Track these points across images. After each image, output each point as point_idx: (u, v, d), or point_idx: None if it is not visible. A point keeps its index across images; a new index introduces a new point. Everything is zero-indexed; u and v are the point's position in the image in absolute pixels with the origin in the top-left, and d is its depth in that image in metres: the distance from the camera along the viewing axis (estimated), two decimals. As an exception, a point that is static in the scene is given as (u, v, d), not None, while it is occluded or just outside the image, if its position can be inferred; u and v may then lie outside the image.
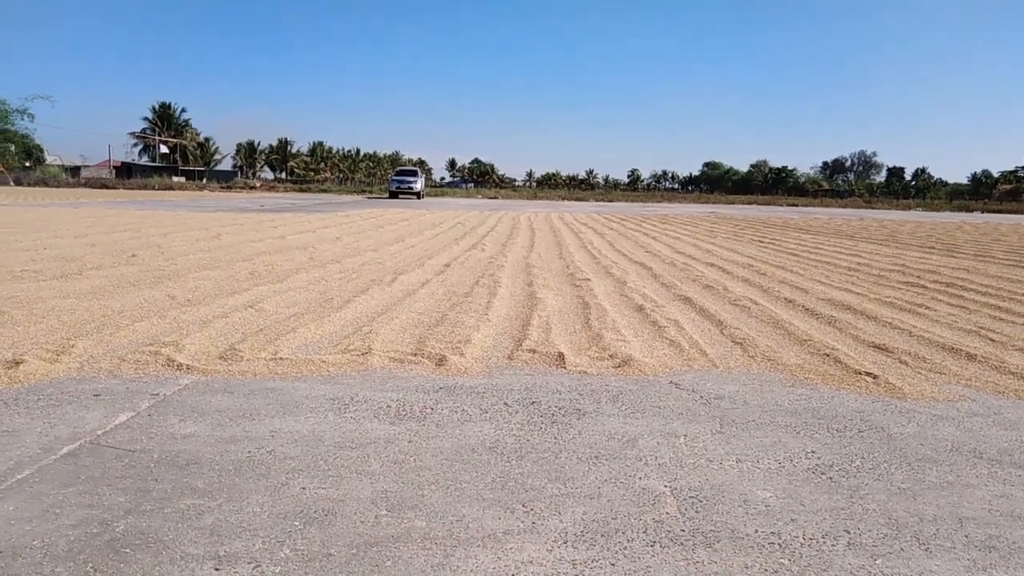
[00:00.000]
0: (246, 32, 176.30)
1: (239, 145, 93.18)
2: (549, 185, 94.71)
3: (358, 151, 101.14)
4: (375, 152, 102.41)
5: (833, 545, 2.42)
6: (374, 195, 50.24)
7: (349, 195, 50.08)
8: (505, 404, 3.86)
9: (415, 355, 4.78)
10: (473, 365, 4.61)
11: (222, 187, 55.72)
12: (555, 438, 3.37)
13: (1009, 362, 5.05)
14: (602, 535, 2.44)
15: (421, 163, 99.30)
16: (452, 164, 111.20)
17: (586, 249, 12.83)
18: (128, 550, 2.22)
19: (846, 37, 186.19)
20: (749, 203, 59.61)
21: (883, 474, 3.06)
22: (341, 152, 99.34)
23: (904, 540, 2.47)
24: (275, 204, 30.01)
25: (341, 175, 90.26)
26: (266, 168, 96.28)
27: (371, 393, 3.96)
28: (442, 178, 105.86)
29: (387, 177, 57.86)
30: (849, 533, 2.51)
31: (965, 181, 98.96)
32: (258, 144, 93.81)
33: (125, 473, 2.80)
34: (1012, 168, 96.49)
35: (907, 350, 5.32)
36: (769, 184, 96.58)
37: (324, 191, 56.94)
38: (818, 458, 3.22)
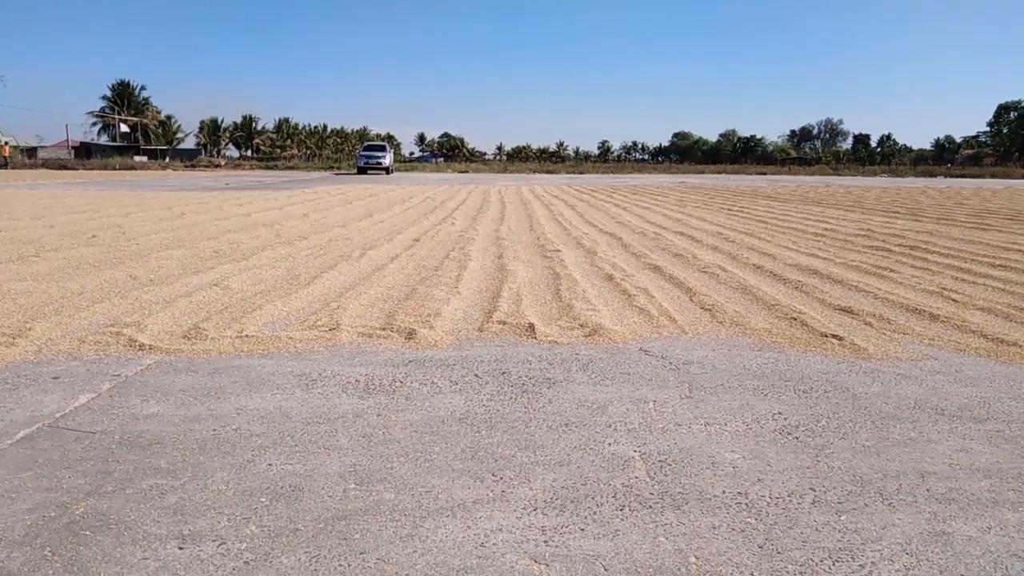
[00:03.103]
0: (207, 7, 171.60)
1: (202, 123, 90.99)
2: (519, 158, 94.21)
3: (325, 127, 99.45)
4: (343, 128, 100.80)
5: (799, 503, 2.45)
6: (342, 171, 49.54)
7: (317, 171, 49.32)
8: (475, 375, 3.84)
9: (384, 329, 4.73)
10: (443, 338, 4.57)
11: (186, 166, 54.50)
12: (525, 407, 3.36)
13: (970, 321, 5.15)
14: (572, 501, 2.44)
15: (390, 138, 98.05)
16: (421, 138, 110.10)
17: (556, 221, 12.80)
18: (88, 532, 2.17)
19: (810, 5, 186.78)
20: (719, 172, 59.97)
21: (848, 433, 3.11)
22: (308, 128, 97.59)
23: (868, 496, 2.52)
24: (240, 182, 29.45)
25: (308, 152, 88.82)
26: (231, 146, 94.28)
27: (339, 368, 3.91)
28: (411, 153, 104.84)
29: (355, 153, 57.06)
30: (815, 491, 2.55)
31: (929, 147, 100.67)
32: (222, 121, 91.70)
33: (85, 455, 2.73)
34: (974, 134, 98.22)
35: (872, 312, 5.40)
36: (738, 153, 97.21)
37: (291, 168, 56.02)
38: (785, 419, 3.26)
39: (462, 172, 53.90)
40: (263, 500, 2.39)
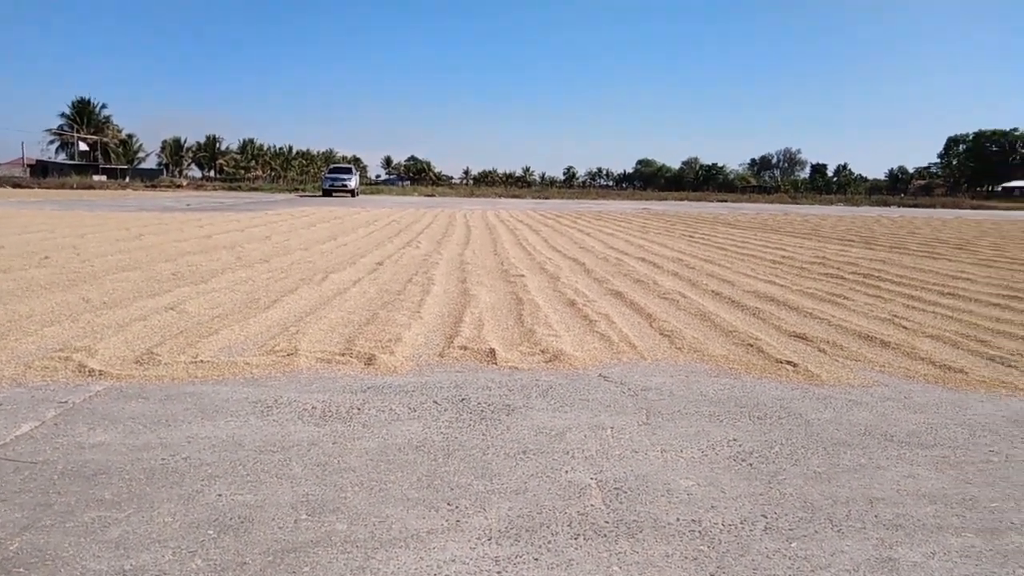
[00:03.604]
0: (172, 26, 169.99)
1: (164, 142, 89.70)
2: (486, 183, 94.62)
3: (290, 148, 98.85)
4: (308, 150, 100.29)
5: (751, 530, 2.48)
6: (307, 193, 49.17)
7: (281, 193, 48.89)
8: (434, 402, 3.81)
9: (343, 355, 4.69)
10: (403, 364, 4.54)
11: (146, 186, 53.52)
12: (483, 434, 3.35)
13: (919, 348, 5.29)
14: (527, 530, 2.43)
15: (356, 160, 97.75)
16: (388, 162, 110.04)
17: (521, 246, 12.86)
18: (21, 569, 2.09)
19: (772, 38, 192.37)
20: (681, 199, 60.97)
21: (800, 459, 3.15)
22: (273, 150, 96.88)
23: (818, 523, 2.55)
24: (202, 203, 29.04)
25: (273, 173, 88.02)
26: (193, 166, 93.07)
27: (296, 395, 3.85)
28: (378, 176, 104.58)
29: (320, 175, 56.72)
30: (766, 518, 2.57)
31: (883, 177, 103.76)
32: (185, 141, 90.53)
33: (24, 487, 2.64)
34: (926, 165, 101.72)
35: (826, 339, 5.51)
36: (700, 181, 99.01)
37: (255, 189, 55.43)
38: (739, 446, 3.29)
39: (428, 196, 53.93)
40: (210, 532, 2.34)
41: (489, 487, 2.77)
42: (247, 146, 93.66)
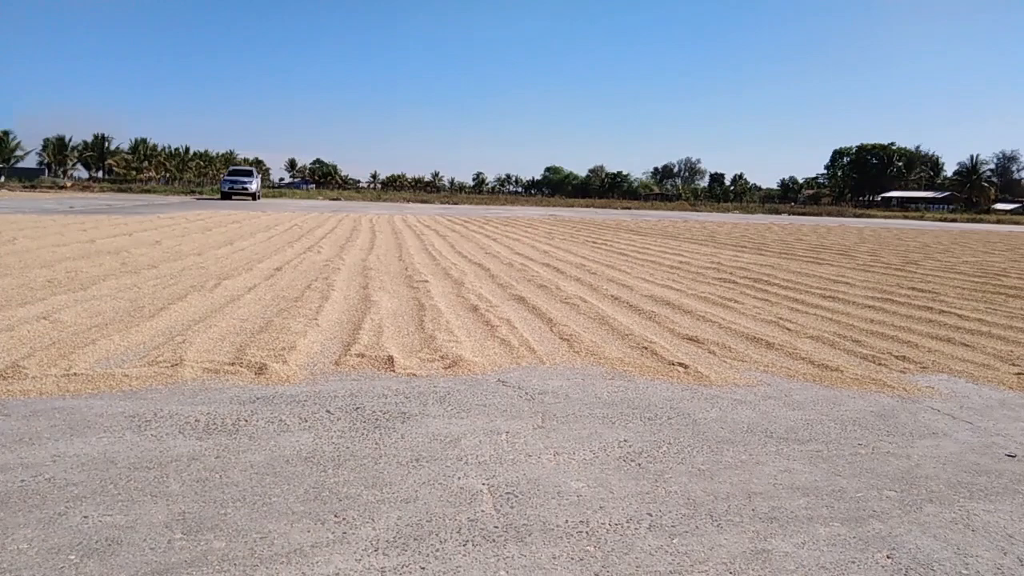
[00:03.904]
0: (58, 17, 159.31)
1: (47, 140, 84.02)
2: (394, 187, 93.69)
3: (187, 149, 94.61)
4: (207, 151, 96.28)
5: (636, 529, 2.54)
6: (204, 196, 47.12)
7: (176, 196, 46.60)
8: (327, 411, 3.72)
9: (233, 364, 4.50)
10: (296, 372, 4.41)
11: (25, 187, 49.85)
12: (376, 443, 3.29)
13: (800, 348, 5.60)
14: (415, 539, 2.40)
15: (258, 163, 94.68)
16: (292, 164, 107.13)
17: (427, 251, 12.78)
18: None
19: (675, 51, 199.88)
20: (587, 206, 62.30)
21: (686, 458, 3.26)
22: (168, 150, 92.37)
23: (700, 518, 2.65)
24: (88, 205, 27.30)
25: (168, 175, 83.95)
26: (79, 166, 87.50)
27: (178, 407, 3.67)
28: (281, 179, 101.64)
29: (219, 177, 54.47)
30: (651, 516, 2.65)
31: (776, 186, 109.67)
32: (70, 140, 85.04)
33: None
34: (814, 175, 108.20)
35: (716, 341, 5.75)
36: (606, 188, 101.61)
37: (147, 191, 52.63)
38: (630, 446, 3.38)
39: (334, 200, 52.80)
40: (72, 558, 2.18)
41: (379, 497, 2.72)
42: (139, 146, 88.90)
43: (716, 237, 21.07)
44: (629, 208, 60.62)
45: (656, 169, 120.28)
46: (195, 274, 8.46)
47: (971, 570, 2.37)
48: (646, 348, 5.39)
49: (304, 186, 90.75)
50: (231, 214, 23.52)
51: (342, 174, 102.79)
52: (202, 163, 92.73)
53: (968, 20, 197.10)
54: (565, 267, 10.91)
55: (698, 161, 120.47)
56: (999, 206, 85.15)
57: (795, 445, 3.50)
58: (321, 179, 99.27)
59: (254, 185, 41.74)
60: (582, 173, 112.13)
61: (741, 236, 22.09)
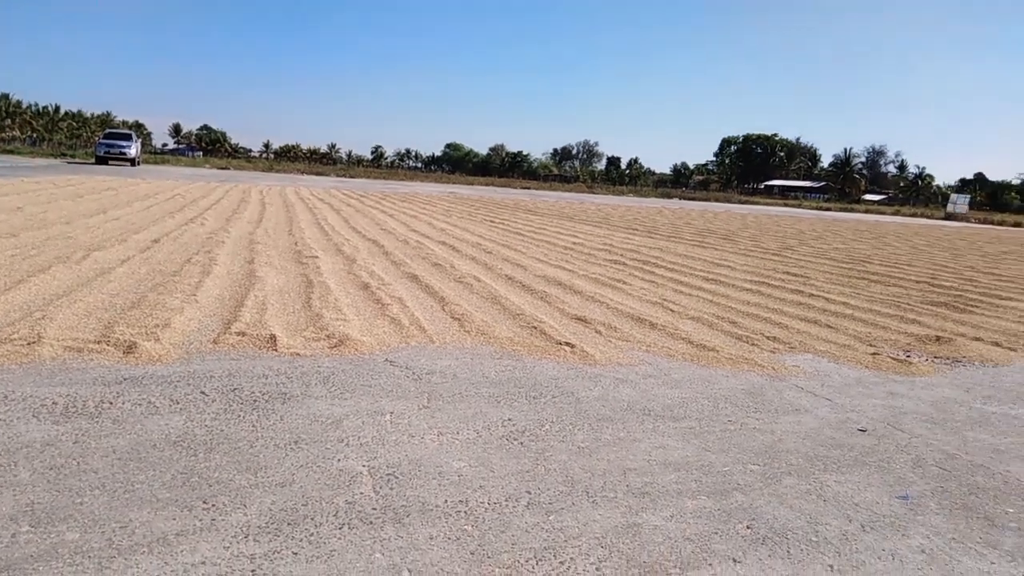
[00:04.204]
0: None
1: None
2: (288, 158, 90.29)
3: (57, 108, 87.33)
4: (80, 111, 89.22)
5: (514, 506, 2.58)
6: (77, 160, 43.70)
7: (44, 159, 42.94)
8: (202, 393, 3.55)
9: (99, 343, 4.21)
10: (169, 352, 4.18)
11: None
12: (253, 426, 3.18)
13: (681, 329, 5.84)
14: (288, 524, 2.34)
15: (138, 126, 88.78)
16: (176, 130, 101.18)
17: (319, 225, 12.41)
18: None
19: (575, 33, 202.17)
20: (487, 184, 62.36)
21: (567, 435, 3.35)
22: (35, 108, 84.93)
23: (576, 495, 2.72)
24: (-62, 165, 24.72)
25: (35, 135, 77.16)
26: (-72, 122, 78.98)
27: (33, 389, 3.40)
28: (164, 145, 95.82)
29: (95, 140, 50.59)
30: (530, 493, 2.70)
31: (669, 171, 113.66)
32: (-87, 92, 76.50)
33: None
34: (704, 162, 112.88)
35: (603, 321, 5.91)
36: (506, 167, 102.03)
37: (10, 152, 48.24)
38: (513, 425, 3.42)
39: (222, 168, 50.27)
40: None
41: (253, 481, 2.63)
42: (0, 101, 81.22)
43: (610, 219, 21.61)
44: (529, 188, 61.14)
45: (556, 150, 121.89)
46: (61, 244, 7.84)
47: (820, 537, 2.56)
48: (536, 328, 5.47)
49: (190, 153, 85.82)
50: (106, 180, 21.92)
51: (232, 142, 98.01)
52: (75, 124, 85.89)
53: (843, 18, 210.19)
54: (461, 246, 10.88)
55: (596, 144, 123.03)
56: (868, 196, 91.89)
57: (670, 422, 3.66)
58: (209, 147, 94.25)
59: (133, 150, 39.04)
60: (483, 151, 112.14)
61: (634, 219, 22.76)
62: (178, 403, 3.38)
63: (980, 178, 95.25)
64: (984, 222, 52.34)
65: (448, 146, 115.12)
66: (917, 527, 2.70)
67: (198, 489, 2.53)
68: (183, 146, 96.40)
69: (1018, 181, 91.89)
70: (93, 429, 2.99)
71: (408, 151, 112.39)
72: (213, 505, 2.43)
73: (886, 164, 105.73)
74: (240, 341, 4.51)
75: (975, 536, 2.67)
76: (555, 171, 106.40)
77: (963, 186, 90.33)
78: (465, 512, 2.51)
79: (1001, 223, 51.64)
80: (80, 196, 14.83)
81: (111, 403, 3.31)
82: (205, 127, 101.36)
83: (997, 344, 6.27)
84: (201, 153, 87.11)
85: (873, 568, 2.37)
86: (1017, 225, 49.48)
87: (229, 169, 50.53)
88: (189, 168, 46.42)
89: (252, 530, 2.28)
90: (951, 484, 3.15)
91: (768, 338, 5.79)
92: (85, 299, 5.21)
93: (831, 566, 2.37)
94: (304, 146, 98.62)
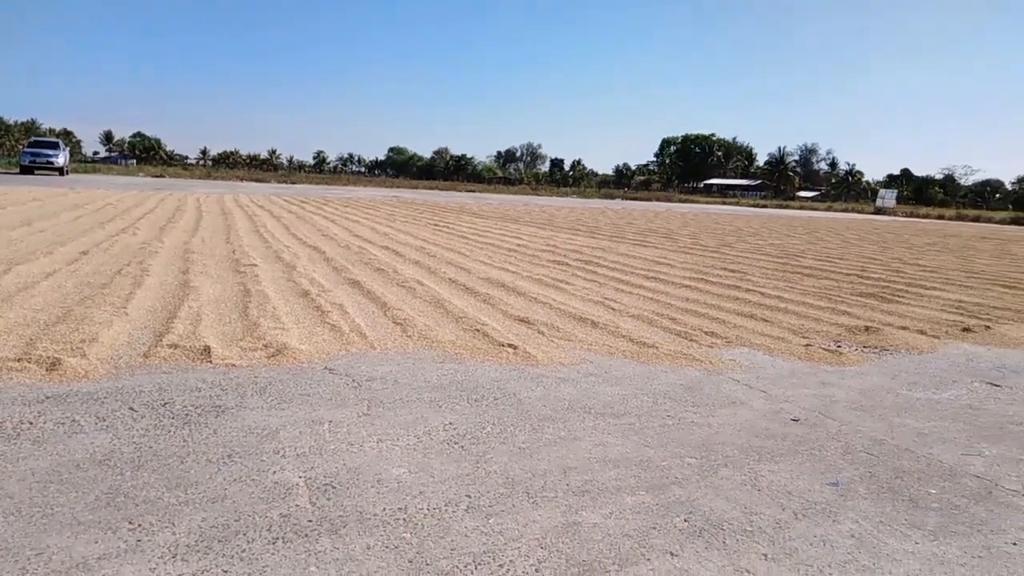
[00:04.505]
0: None
1: None
2: (227, 164, 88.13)
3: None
4: (2, 119, 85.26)
5: (454, 511, 2.56)
6: None
7: (-37, 169, 40.91)
8: (130, 408, 3.43)
9: (19, 360, 4.02)
10: (96, 367, 4.02)
11: None
12: (185, 441, 3.08)
13: (622, 327, 5.92)
14: (219, 541, 2.27)
15: (67, 134, 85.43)
16: (108, 137, 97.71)
17: (258, 233, 12.14)
18: None
19: (516, 36, 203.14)
20: (432, 188, 62.05)
21: (508, 437, 3.34)
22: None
23: (516, 496, 2.72)
24: None
25: (-49, 144, 73.43)
26: None
27: (-54, 412, 3.22)
28: (95, 153, 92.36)
29: (19, 149, 48.43)
30: (470, 497, 2.68)
31: (611, 172, 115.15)
32: None
33: None
34: (645, 162, 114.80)
35: (546, 321, 5.93)
36: (451, 170, 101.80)
37: (-74, 163, 45.74)
38: (454, 429, 3.40)
39: (157, 176, 48.76)
40: None
41: (183, 498, 2.54)
42: (-87, 110, 76.99)
43: (554, 221, 21.76)
44: (473, 191, 61.09)
45: (500, 153, 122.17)
46: (-21, 259, 7.47)
47: (754, 526, 2.62)
48: (479, 330, 5.46)
49: (123, 162, 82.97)
50: (32, 190, 21.00)
51: (167, 149, 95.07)
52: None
53: (776, 20, 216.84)
54: (405, 250, 10.80)
55: (539, 146, 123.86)
56: (802, 193, 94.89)
57: (611, 419, 3.69)
58: (143, 154, 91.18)
59: (61, 159, 37.50)
60: (427, 155, 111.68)
61: (577, 220, 22.97)
62: (104, 420, 3.25)
63: (906, 174, 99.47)
64: (911, 215, 54.64)
65: (391, 150, 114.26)
66: (847, 512, 2.79)
67: (123, 509, 2.44)
68: (116, 154, 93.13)
69: (941, 176, 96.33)
70: (10, 452, 2.85)
71: (351, 156, 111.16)
72: (139, 525, 2.34)
73: (818, 162, 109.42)
74: (172, 354, 4.36)
75: (900, 518, 2.77)
76: (499, 174, 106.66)
77: (891, 181, 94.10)
78: (404, 519, 2.48)
79: (926, 216, 54.00)
80: (2, 208, 14.17)
81: (31, 423, 3.16)
82: (139, 134, 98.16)
83: (922, 332, 6.54)
84: (135, 161, 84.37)
85: (805, 555, 2.44)
86: (940, 218, 51.84)
87: (165, 177, 49.05)
88: (122, 177, 44.90)
89: (180, 549, 2.21)
90: (878, 469, 3.26)
91: (706, 333, 5.91)
92: (5, 315, 4.97)
93: (765, 555, 2.42)
94: (244, 152, 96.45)
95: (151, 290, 6.31)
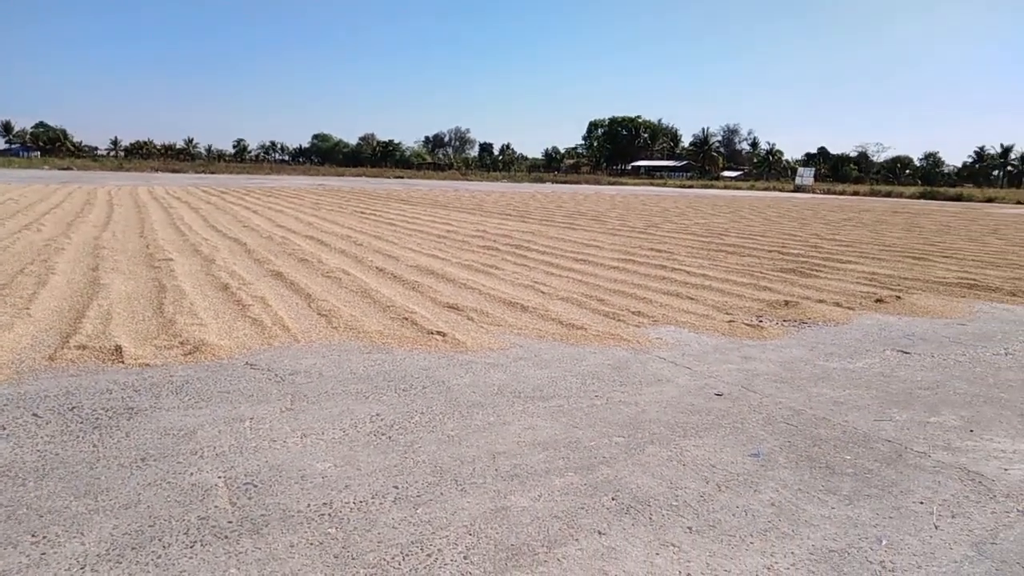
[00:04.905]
0: None
1: None
2: (140, 155, 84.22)
3: None
4: None
5: (381, 504, 2.52)
6: None
7: None
8: (34, 415, 3.23)
9: (-93, 369, 3.74)
10: (-5, 373, 3.77)
11: None
12: (94, 446, 2.92)
13: (552, 310, 5.95)
14: (133, 548, 2.16)
15: (-40, 125, 79.85)
16: (7, 128, 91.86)
17: (175, 226, 11.65)
18: None
19: (446, 21, 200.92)
20: (359, 175, 60.96)
21: (437, 425, 3.31)
22: None
23: (445, 485, 2.70)
24: None
25: None
26: None
27: None
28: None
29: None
30: (397, 488, 2.65)
31: (541, 156, 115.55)
32: None
33: None
34: (573, 146, 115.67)
35: (475, 307, 5.91)
36: (378, 157, 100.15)
37: None
38: (382, 420, 3.35)
39: (64, 169, 46.25)
40: None
41: (92, 506, 2.42)
42: None
43: (484, 206, 21.70)
44: (402, 178, 60.32)
45: (428, 138, 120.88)
46: None
47: (680, 500, 2.68)
48: (407, 319, 5.39)
49: (24, 154, 78.19)
50: (-78, 187, 19.58)
51: (74, 140, 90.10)
52: None
53: (698, 3, 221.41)
54: (330, 239, 10.56)
55: (468, 131, 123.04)
56: (726, 173, 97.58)
57: (540, 402, 3.71)
58: (47, 146, 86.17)
59: (-45, 152, 35.05)
60: (353, 141, 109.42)
61: (507, 204, 22.98)
62: (5, 429, 3.05)
63: (823, 152, 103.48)
64: (828, 193, 56.96)
65: (316, 137, 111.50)
66: (767, 482, 2.88)
67: (26, 522, 2.30)
68: (16, 146, 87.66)
69: (855, 154, 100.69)
70: None
71: (273, 143, 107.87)
72: (44, 537, 2.21)
73: (740, 142, 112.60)
74: (81, 355, 4.14)
75: (818, 485, 2.88)
76: (428, 159, 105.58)
77: (808, 160, 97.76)
78: (329, 515, 2.42)
79: (842, 193, 56.37)
80: None
81: (-79, 436, 2.94)
82: (41, 124, 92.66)
83: (838, 304, 6.83)
84: (39, 153, 79.66)
85: (728, 525, 2.51)
86: (856, 194, 54.21)
87: (72, 169, 46.58)
88: (24, 170, 42.42)
89: (90, 560, 2.10)
90: (797, 438, 3.39)
91: (633, 313, 6.01)
92: None
93: (690, 527, 2.48)
94: (158, 142, 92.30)
95: (57, 289, 5.98)
